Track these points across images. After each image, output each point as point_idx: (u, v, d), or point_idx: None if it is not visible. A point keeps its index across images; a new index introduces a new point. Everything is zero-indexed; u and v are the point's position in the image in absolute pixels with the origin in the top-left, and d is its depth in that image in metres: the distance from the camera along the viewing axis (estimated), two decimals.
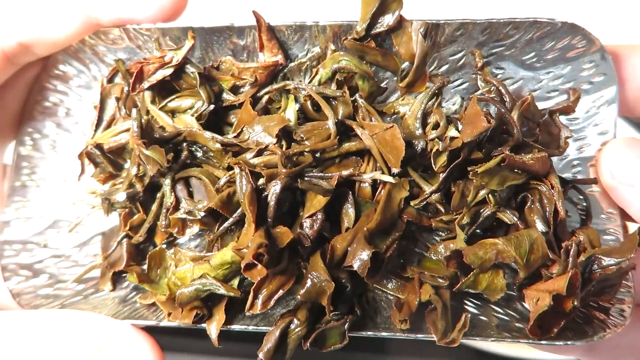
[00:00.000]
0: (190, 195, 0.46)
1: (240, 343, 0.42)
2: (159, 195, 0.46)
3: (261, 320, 0.44)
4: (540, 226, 0.43)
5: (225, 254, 0.41)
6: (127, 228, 0.46)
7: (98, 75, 0.51)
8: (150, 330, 0.44)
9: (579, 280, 0.38)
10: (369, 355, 0.76)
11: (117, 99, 0.47)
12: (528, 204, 0.44)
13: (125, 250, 0.47)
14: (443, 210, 0.45)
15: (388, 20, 0.46)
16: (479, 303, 0.45)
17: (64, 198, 0.52)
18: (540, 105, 0.48)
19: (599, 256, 0.40)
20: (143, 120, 0.43)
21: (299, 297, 0.40)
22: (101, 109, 0.48)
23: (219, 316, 0.42)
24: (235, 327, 0.43)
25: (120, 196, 0.46)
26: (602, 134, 0.48)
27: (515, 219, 0.43)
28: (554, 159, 0.48)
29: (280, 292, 0.40)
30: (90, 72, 0.51)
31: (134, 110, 0.42)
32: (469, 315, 0.40)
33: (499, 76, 0.48)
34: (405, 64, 0.48)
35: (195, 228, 0.46)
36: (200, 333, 0.44)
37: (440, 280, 0.43)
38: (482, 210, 0.44)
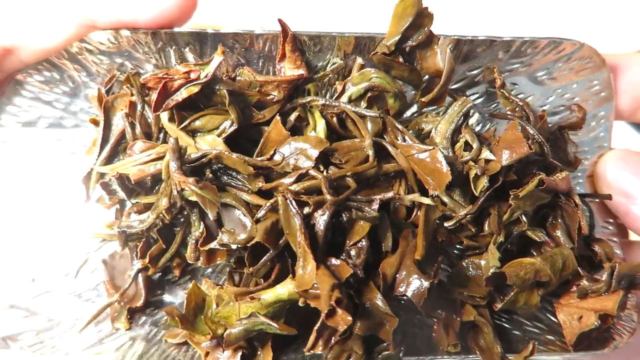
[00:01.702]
0: (219, 223, 0.42)
1: None
2: (183, 226, 0.42)
3: (311, 358, 0.42)
4: (566, 242, 0.45)
5: (280, 292, 0.39)
6: (147, 260, 0.42)
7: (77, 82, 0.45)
8: None
9: (626, 301, 0.41)
10: None
11: (127, 115, 0.42)
12: (550, 220, 0.46)
13: (143, 286, 0.43)
14: (474, 230, 0.45)
15: (419, 35, 0.45)
16: (508, 317, 0.47)
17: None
18: (549, 120, 0.50)
19: (629, 273, 0.43)
20: (182, 150, 0.38)
21: (358, 332, 0.39)
22: (106, 125, 0.43)
23: (265, 355, 0.40)
24: None
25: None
26: (599, 147, 0.52)
27: (545, 237, 0.45)
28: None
29: (341, 329, 0.38)
30: (71, 79, 0.45)
31: (172, 140, 0.38)
32: (536, 343, 0.41)
33: (513, 91, 0.49)
34: (425, 78, 0.48)
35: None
36: None
37: (478, 300, 0.44)
38: (513, 231, 0.45)
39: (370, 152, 0.43)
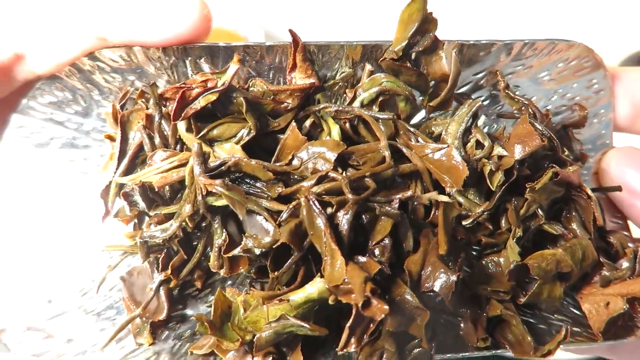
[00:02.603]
0: (240, 230, 0.42)
1: None
2: (206, 234, 0.42)
3: (337, 356, 0.41)
4: (582, 234, 0.45)
5: (310, 292, 0.38)
6: (169, 272, 0.41)
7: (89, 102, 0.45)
8: None
9: None
10: None
11: (144, 127, 0.42)
12: (564, 214, 0.47)
13: (165, 298, 0.42)
14: (491, 228, 0.46)
15: (424, 40, 0.47)
16: (531, 312, 0.47)
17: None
18: (552, 119, 0.52)
19: None
20: (206, 155, 0.38)
21: (389, 329, 0.39)
22: (123, 139, 0.43)
23: (295, 359, 0.40)
24: None
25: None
26: (602, 144, 0.53)
27: (562, 230, 0.46)
28: None
29: (372, 326, 0.38)
30: (82, 99, 0.45)
31: (196, 145, 0.38)
32: (569, 329, 0.41)
33: (517, 92, 0.51)
34: (432, 84, 0.49)
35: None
36: None
37: (502, 294, 0.44)
38: (530, 225, 0.46)
39: (387, 153, 0.43)
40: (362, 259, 0.40)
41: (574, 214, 0.47)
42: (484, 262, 0.47)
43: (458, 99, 0.50)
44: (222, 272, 0.42)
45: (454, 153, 0.43)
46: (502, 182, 0.44)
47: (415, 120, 0.51)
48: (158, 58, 0.44)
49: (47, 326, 0.43)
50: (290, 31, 0.45)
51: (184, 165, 0.40)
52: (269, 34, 0.80)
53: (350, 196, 0.40)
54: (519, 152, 0.44)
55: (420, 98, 0.49)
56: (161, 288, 0.42)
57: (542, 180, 0.44)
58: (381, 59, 0.46)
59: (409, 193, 0.43)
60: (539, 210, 0.45)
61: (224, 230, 0.41)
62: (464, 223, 0.45)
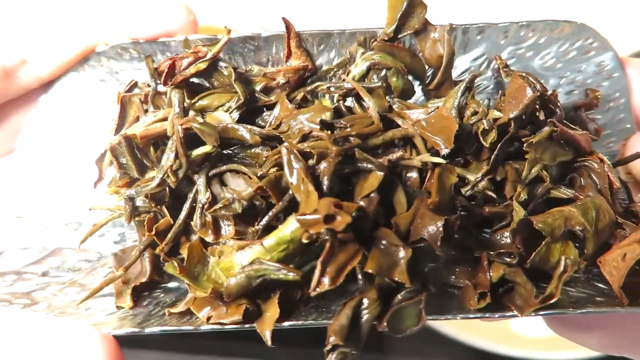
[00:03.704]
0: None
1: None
2: (190, 194, 0.42)
3: (319, 315, 0.38)
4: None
5: (283, 232, 0.37)
6: (153, 233, 0.41)
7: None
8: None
9: None
10: (368, 355, 0.69)
11: (142, 102, 0.45)
12: (578, 184, 0.43)
13: (149, 261, 0.41)
14: (495, 196, 0.43)
15: (414, 22, 0.48)
16: (547, 284, 0.41)
17: (68, 225, 0.46)
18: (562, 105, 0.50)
19: None
20: (186, 104, 0.40)
21: (369, 270, 0.36)
22: (122, 115, 0.45)
23: (272, 311, 0.37)
24: (291, 323, 0.38)
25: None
26: (623, 130, 0.50)
27: (572, 193, 0.42)
28: None
29: (349, 266, 0.35)
30: (95, 93, 0.48)
31: (173, 93, 0.40)
32: (568, 259, 0.37)
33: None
34: (430, 71, 0.49)
35: (230, 229, 0.41)
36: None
37: (508, 259, 0.40)
38: (536, 189, 0.43)
39: (374, 114, 0.43)
40: (343, 202, 0.38)
41: (588, 180, 0.43)
42: (496, 236, 0.43)
43: (457, 83, 0.49)
44: (207, 237, 0.41)
45: (443, 112, 0.42)
46: (495, 139, 0.42)
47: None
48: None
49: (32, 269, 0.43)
50: (283, 19, 0.48)
51: (167, 119, 0.41)
52: None
53: (333, 147, 0.40)
54: (512, 108, 0.42)
55: (418, 84, 0.50)
56: (146, 252, 0.42)
57: (541, 134, 0.41)
58: (373, 41, 0.48)
59: (399, 153, 0.42)
60: (544, 171, 0.42)
61: (208, 189, 0.41)
62: (463, 191, 0.43)
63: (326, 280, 0.35)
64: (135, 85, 0.47)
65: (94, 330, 0.37)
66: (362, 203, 0.39)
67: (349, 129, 0.43)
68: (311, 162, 0.40)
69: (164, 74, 0.42)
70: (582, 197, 0.41)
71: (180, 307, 0.39)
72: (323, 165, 0.39)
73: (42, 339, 0.36)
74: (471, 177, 0.43)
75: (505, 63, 0.49)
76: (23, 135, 0.48)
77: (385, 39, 0.47)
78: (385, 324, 0.35)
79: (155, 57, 0.47)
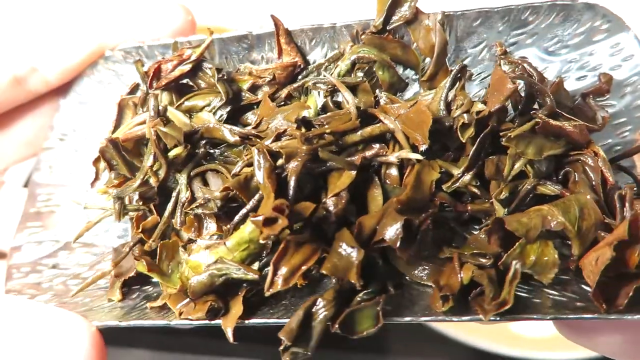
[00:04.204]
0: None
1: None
2: (174, 194, 0.44)
3: (283, 314, 0.39)
4: (589, 195, 0.39)
5: (242, 232, 0.38)
6: (140, 231, 0.43)
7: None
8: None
9: None
10: (368, 355, 0.69)
11: (135, 104, 0.47)
12: (572, 179, 0.41)
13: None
14: (479, 193, 0.41)
15: (404, 12, 0.46)
16: (529, 288, 0.39)
17: (78, 221, 0.50)
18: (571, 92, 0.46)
19: None
20: (161, 107, 0.42)
21: (324, 271, 0.36)
22: (118, 118, 0.48)
23: (236, 309, 0.38)
24: (255, 321, 0.38)
25: (131, 193, 0.43)
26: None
27: (559, 189, 0.39)
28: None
29: (304, 267, 0.36)
30: (108, 94, 0.51)
31: (151, 98, 0.42)
32: (519, 264, 0.35)
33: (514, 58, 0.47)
34: (426, 60, 0.48)
35: (212, 226, 0.43)
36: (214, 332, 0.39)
37: (482, 260, 0.38)
38: (520, 186, 0.40)
39: (352, 110, 0.42)
40: (304, 203, 0.38)
41: (582, 176, 0.40)
42: (481, 235, 0.41)
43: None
44: (190, 233, 0.43)
45: (420, 106, 0.41)
46: (473, 134, 0.40)
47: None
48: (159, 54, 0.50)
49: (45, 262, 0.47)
50: (272, 16, 0.48)
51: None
52: None
53: (303, 147, 0.40)
54: (493, 102, 0.40)
55: (413, 74, 0.48)
56: (136, 248, 0.44)
57: (520, 128, 0.39)
58: (361, 34, 0.47)
59: (373, 151, 0.41)
60: (528, 166, 0.40)
61: (189, 188, 0.43)
62: (445, 187, 0.41)
63: (279, 281, 0.35)
64: (137, 87, 0.50)
65: (83, 321, 0.40)
66: (329, 202, 0.39)
67: (326, 126, 0.43)
68: (281, 161, 0.40)
69: (150, 77, 0.44)
70: (567, 194, 0.39)
71: (158, 302, 0.41)
72: (292, 165, 0.39)
73: (34, 326, 0.40)
74: (455, 172, 0.42)
75: (505, 50, 0.46)
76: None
77: (374, 31, 0.46)
78: (337, 326, 0.35)
79: (156, 59, 0.49)
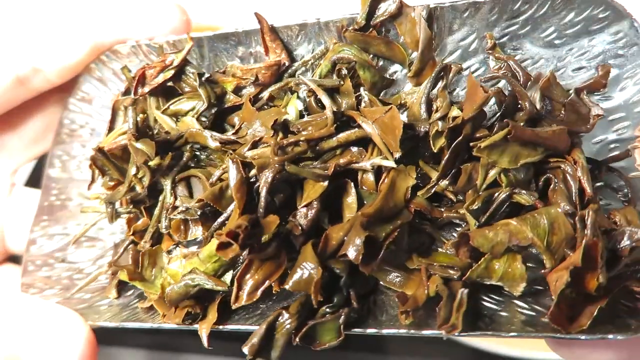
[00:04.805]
0: (192, 196, 0.45)
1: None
2: (161, 197, 0.46)
3: (257, 320, 0.41)
4: (564, 207, 0.37)
5: (212, 245, 0.39)
6: (131, 233, 0.46)
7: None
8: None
9: (599, 249, 0.32)
10: (367, 355, 0.70)
11: (125, 108, 0.48)
12: (552, 187, 0.39)
13: (131, 257, 0.46)
14: (455, 200, 0.41)
15: (388, 6, 0.45)
16: (500, 299, 0.39)
17: (86, 215, 0.53)
18: (566, 85, 0.44)
19: (631, 229, 0.34)
20: (139, 119, 0.43)
21: (286, 287, 0.37)
22: (112, 120, 0.49)
23: (211, 315, 0.40)
24: (228, 327, 0.40)
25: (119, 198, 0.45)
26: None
27: (533, 199, 0.38)
28: (588, 143, 0.43)
29: (267, 282, 0.37)
30: (111, 91, 0.53)
31: (130, 109, 0.43)
32: (466, 291, 0.35)
33: (516, 57, 0.45)
34: (414, 55, 0.46)
35: (198, 230, 0.44)
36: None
37: (451, 272, 0.38)
38: (495, 194, 0.39)
39: (329, 115, 0.42)
40: (271, 217, 0.39)
41: (561, 186, 0.39)
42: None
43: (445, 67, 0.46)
44: (177, 235, 0.45)
45: (394, 113, 0.40)
46: (445, 144, 0.39)
47: None
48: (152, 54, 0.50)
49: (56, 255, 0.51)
50: (256, 14, 0.47)
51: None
52: None
53: (275, 157, 0.40)
54: (466, 111, 0.39)
55: (403, 71, 0.47)
56: (130, 248, 0.46)
57: (492, 137, 0.37)
58: (343, 30, 0.46)
59: (346, 159, 0.41)
60: (502, 175, 0.39)
61: (173, 193, 0.45)
62: (419, 193, 0.41)
63: (244, 296, 0.37)
64: (129, 89, 0.51)
65: (81, 320, 0.44)
66: (300, 212, 0.40)
67: (305, 133, 0.43)
68: (254, 172, 0.41)
69: (135, 84, 0.45)
70: (540, 206, 0.37)
71: (146, 303, 0.44)
72: (263, 178, 0.40)
73: (39, 322, 0.44)
74: (434, 176, 0.41)
75: (494, 43, 0.44)
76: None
77: (357, 28, 0.45)
78: (297, 339, 0.36)
79: (152, 59, 0.50)
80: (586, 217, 0.34)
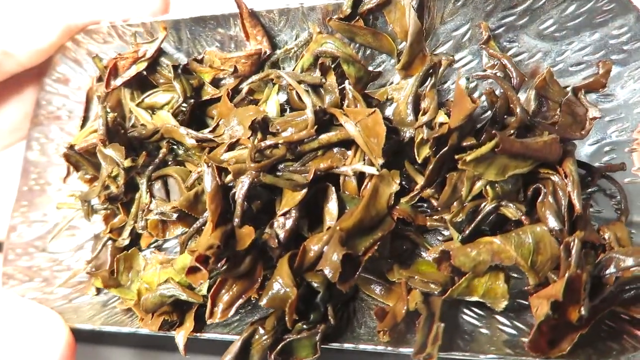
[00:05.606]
0: (168, 195, 0.43)
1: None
2: (137, 195, 0.44)
3: (234, 329, 0.40)
4: (552, 223, 0.35)
5: (186, 257, 0.38)
6: (109, 230, 0.44)
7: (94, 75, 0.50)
8: None
9: (582, 283, 0.31)
10: (368, 355, 0.70)
11: (99, 98, 0.46)
12: (540, 198, 0.37)
13: (110, 254, 0.45)
14: (440, 208, 0.39)
15: None
16: (482, 314, 0.38)
17: (66, 200, 0.51)
18: (565, 82, 0.41)
19: (617, 256, 0.33)
20: (109, 118, 0.41)
21: (261, 304, 0.36)
22: (86, 108, 0.47)
23: (189, 323, 0.39)
24: (205, 335, 0.40)
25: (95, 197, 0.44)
26: None
27: (520, 214, 0.36)
28: (583, 144, 0.41)
29: (242, 299, 0.36)
30: (87, 72, 0.50)
31: (100, 108, 0.41)
32: (442, 325, 0.34)
33: (512, 50, 0.42)
34: (403, 44, 0.43)
35: (178, 230, 0.43)
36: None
37: (433, 286, 0.37)
38: (482, 206, 0.38)
39: (309, 116, 0.40)
40: (247, 229, 0.37)
41: (550, 198, 0.37)
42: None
43: (434, 58, 0.43)
44: (154, 234, 0.44)
45: (378, 117, 0.38)
46: (429, 154, 0.37)
47: None
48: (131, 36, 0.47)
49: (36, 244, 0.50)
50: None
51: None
52: None
53: (251, 164, 0.38)
54: (453, 120, 0.36)
55: (392, 60, 0.44)
56: (109, 244, 0.45)
57: (478, 150, 0.35)
58: (328, 19, 0.43)
59: (327, 164, 0.39)
60: (488, 188, 0.37)
61: (149, 193, 0.43)
62: (403, 200, 0.39)
63: (218, 312, 0.36)
64: (101, 73, 0.49)
65: (61, 321, 0.43)
66: (277, 222, 0.38)
67: (282, 134, 0.41)
68: (229, 178, 0.39)
69: (106, 77, 0.43)
70: (527, 222, 0.36)
71: (125, 305, 0.43)
72: (238, 187, 0.38)
73: (19, 321, 0.43)
74: (420, 182, 0.39)
75: (489, 36, 0.41)
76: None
77: (342, 17, 0.42)
78: (272, 357, 0.36)
79: (130, 41, 0.47)
80: (571, 245, 0.32)
